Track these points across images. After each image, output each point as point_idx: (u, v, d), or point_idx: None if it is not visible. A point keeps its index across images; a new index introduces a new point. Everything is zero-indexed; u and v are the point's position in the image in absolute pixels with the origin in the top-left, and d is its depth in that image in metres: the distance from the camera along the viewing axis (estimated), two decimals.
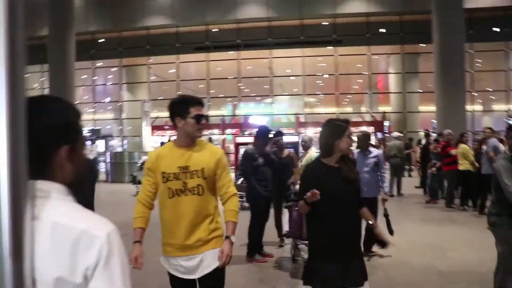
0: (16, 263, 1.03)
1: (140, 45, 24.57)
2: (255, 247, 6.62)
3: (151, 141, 22.34)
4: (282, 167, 7.07)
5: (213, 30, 24.30)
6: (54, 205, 1.15)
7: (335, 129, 3.05)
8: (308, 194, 2.90)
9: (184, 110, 2.90)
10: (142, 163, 15.35)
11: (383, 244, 3.42)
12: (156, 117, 25.81)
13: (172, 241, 2.91)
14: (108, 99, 27.97)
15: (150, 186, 2.99)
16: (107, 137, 23.82)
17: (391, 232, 5.39)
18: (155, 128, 23.14)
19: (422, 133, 17.59)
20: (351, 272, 2.92)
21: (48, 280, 1.10)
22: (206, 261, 2.89)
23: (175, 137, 3.04)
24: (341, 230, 2.97)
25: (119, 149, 24.24)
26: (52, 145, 1.19)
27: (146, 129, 22.65)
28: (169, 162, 2.92)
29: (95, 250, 1.11)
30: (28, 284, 1.04)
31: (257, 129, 7.00)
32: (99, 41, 25.07)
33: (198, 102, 2.94)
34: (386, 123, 22.22)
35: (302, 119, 24.65)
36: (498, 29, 22.96)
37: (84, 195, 3.75)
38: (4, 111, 1.02)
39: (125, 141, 23.90)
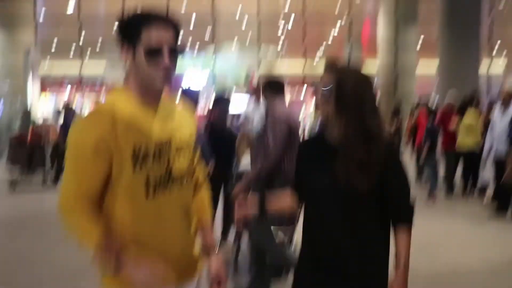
0: None
1: None
2: None
3: (41, 104, 21.67)
4: (228, 141, 7.42)
5: None
6: None
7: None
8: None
9: (134, 33, 2.30)
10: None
11: None
12: (48, 74, 25.05)
13: None
14: None
15: (98, 175, 2.28)
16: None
17: None
18: (48, 86, 22.46)
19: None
20: None
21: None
22: None
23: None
24: (327, 247, 2.69)
25: None
26: None
27: (32, 87, 21.96)
28: (140, 129, 2.33)
29: None
30: None
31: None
32: None
33: (159, 19, 2.29)
34: None
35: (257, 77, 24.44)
36: None
37: None
38: None
39: None
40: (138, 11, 2.32)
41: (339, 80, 2.56)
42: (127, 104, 2.35)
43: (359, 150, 2.55)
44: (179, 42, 2.35)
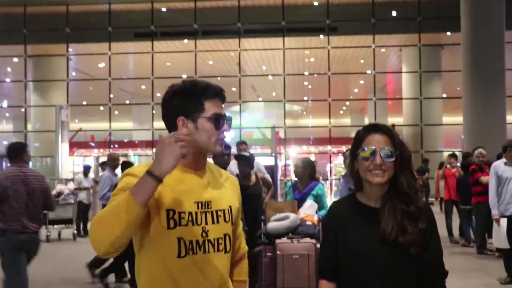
0: None
1: (55, 26, 24.03)
2: None
3: (70, 163, 21.73)
4: (253, 199, 7.19)
5: (161, 10, 24.10)
6: None
7: (354, 143, 2.60)
8: None
9: (195, 105, 2.47)
10: (58, 194, 14.69)
11: None
12: (78, 130, 25.28)
13: None
14: (5, 103, 27.24)
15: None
16: (2, 157, 23.05)
17: None
18: (76, 145, 22.60)
19: (446, 153, 17.60)
20: None
21: None
22: None
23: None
24: None
25: None
26: None
27: (62, 147, 22.13)
28: (179, 193, 2.39)
29: None
30: None
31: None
32: None
33: (218, 93, 2.52)
34: None
35: (281, 134, 24.48)
36: None
37: None
38: None
39: (30, 164, 23.23)
40: (196, 85, 2.51)
41: (399, 141, 2.52)
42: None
43: (405, 203, 2.47)
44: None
